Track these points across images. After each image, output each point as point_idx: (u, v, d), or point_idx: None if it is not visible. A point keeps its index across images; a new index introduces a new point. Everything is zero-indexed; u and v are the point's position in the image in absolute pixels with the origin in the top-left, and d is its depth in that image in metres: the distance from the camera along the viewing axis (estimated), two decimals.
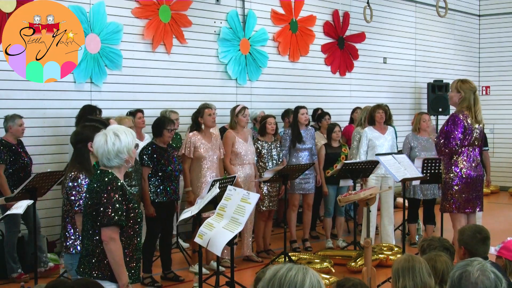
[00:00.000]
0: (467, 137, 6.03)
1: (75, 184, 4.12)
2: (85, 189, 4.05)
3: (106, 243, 3.55)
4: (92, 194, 3.62)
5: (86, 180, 4.12)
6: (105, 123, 5.21)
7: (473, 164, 6.11)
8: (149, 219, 6.64)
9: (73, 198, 4.11)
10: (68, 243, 4.33)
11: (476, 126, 6.09)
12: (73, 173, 4.18)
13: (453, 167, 6.08)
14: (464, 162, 6.07)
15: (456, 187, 6.07)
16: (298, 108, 8.09)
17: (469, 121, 6.03)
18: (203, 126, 7.12)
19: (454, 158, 6.08)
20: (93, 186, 3.65)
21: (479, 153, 6.23)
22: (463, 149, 6.07)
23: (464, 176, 6.06)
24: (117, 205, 3.54)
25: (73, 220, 4.24)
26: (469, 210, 6.16)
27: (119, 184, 3.62)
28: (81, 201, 4.05)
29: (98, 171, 3.71)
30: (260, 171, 7.63)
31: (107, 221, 3.52)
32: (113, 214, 3.52)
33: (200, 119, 7.10)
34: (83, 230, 3.75)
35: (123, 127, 3.77)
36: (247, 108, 7.55)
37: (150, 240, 6.74)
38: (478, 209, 6.26)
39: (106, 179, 3.60)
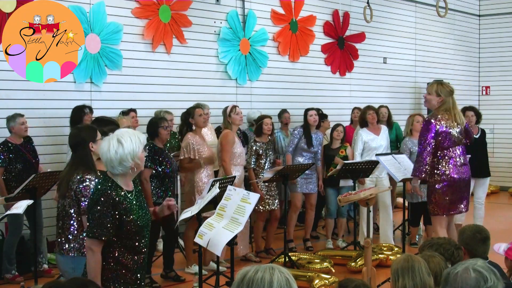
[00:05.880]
0: (445, 140, 6.00)
1: (85, 185, 4.13)
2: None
3: (86, 251, 3.53)
4: (88, 199, 3.58)
5: (94, 180, 4.12)
6: (116, 123, 5.19)
7: (457, 164, 6.05)
8: None
9: (83, 198, 4.12)
10: (69, 245, 4.25)
11: (455, 124, 6.04)
12: (80, 175, 4.17)
13: (435, 171, 6.06)
14: (446, 165, 6.04)
15: (439, 190, 6.06)
16: (307, 110, 8.10)
17: (444, 124, 6.00)
18: (193, 127, 7.10)
19: (436, 161, 6.05)
20: (95, 189, 3.59)
21: (463, 152, 6.17)
22: (444, 152, 6.04)
23: (447, 179, 6.03)
24: (104, 220, 3.43)
25: (79, 222, 4.22)
26: (453, 212, 6.17)
27: (113, 196, 3.46)
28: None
29: (102, 177, 3.64)
30: (258, 172, 7.61)
31: (90, 233, 3.47)
32: (95, 229, 3.43)
33: (191, 119, 7.08)
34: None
35: (131, 132, 3.60)
36: (238, 106, 7.52)
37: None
38: (464, 210, 6.27)
39: (103, 187, 3.50)
